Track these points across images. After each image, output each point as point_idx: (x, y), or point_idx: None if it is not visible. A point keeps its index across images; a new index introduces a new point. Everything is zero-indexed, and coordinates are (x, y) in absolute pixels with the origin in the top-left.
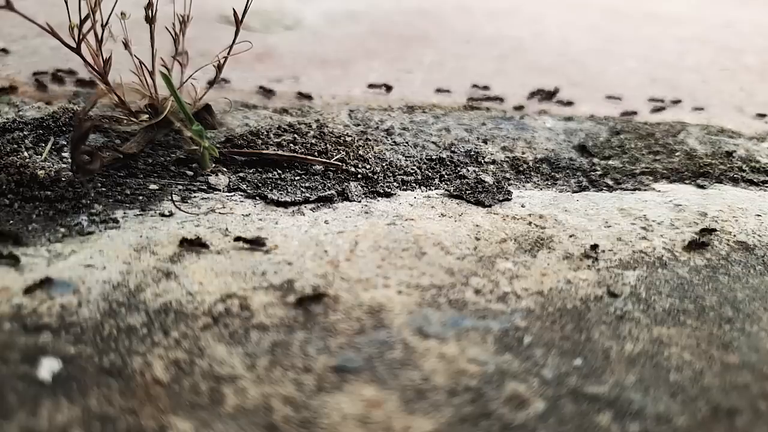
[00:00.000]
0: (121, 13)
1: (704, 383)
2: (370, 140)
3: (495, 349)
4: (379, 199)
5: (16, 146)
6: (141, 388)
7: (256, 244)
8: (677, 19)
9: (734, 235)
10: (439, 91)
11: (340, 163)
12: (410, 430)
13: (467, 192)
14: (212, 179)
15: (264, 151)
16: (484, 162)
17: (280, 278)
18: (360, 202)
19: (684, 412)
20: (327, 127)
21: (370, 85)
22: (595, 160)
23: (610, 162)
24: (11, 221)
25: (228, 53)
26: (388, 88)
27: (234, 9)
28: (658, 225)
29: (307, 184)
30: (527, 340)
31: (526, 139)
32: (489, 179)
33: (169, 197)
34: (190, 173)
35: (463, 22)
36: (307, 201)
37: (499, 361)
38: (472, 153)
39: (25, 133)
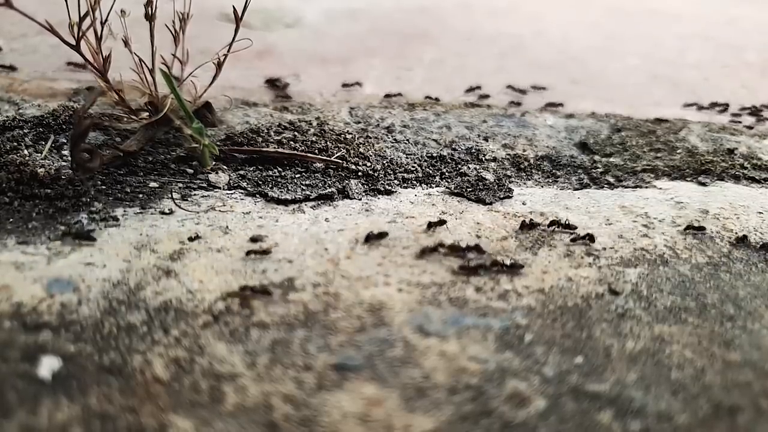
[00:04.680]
0: (121, 11)
1: (706, 381)
2: (370, 138)
3: (496, 347)
4: (380, 196)
5: (16, 144)
6: (141, 387)
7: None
8: (678, 16)
9: (736, 233)
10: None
11: (340, 161)
12: (411, 429)
13: (468, 189)
14: (212, 177)
15: (264, 149)
16: (485, 159)
17: (281, 276)
18: (360, 199)
19: (685, 410)
20: (327, 124)
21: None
22: (597, 157)
23: (612, 159)
24: (11, 219)
25: (228, 51)
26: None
27: (234, 7)
28: (659, 222)
29: (307, 182)
30: (528, 338)
31: (527, 136)
32: (490, 177)
33: (169, 195)
34: (191, 171)
35: (464, 20)
36: (307, 199)
37: (500, 359)
38: (473, 150)
39: (25, 131)
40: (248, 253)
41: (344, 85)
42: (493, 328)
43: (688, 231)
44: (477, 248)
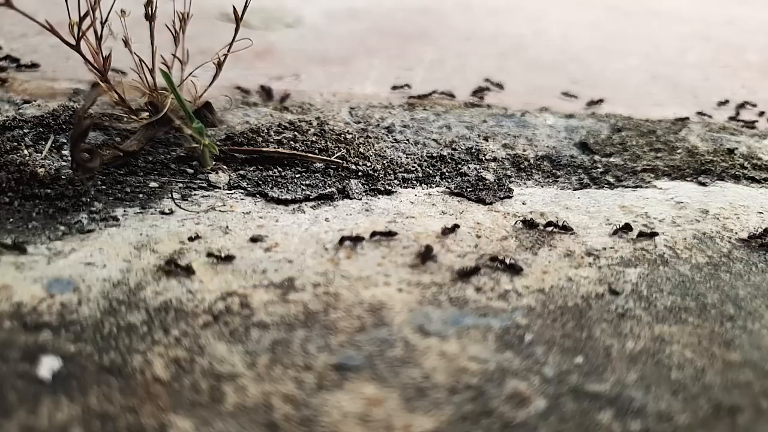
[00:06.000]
0: (121, 11)
1: (706, 381)
2: (370, 138)
3: (496, 347)
4: (380, 196)
5: (16, 144)
6: (141, 387)
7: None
8: (678, 16)
9: (736, 233)
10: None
11: (340, 161)
12: (411, 429)
13: (468, 189)
14: (212, 177)
15: (264, 149)
16: (485, 159)
17: (281, 276)
18: (360, 199)
19: (685, 410)
20: (327, 124)
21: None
22: (597, 157)
23: (612, 159)
24: (11, 219)
25: (228, 51)
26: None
27: (234, 6)
28: (659, 222)
29: (307, 182)
30: (528, 338)
31: (527, 136)
32: (490, 177)
33: (170, 195)
34: (191, 171)
35: (464, 19)
36: (307, 199)
37: (500, 359)
38: (473, 150)
39: (25, 131)
40: (165, 267)
41: (394, 88)
42: (493, 328)
43: (640, 237)
44: (432, 257)
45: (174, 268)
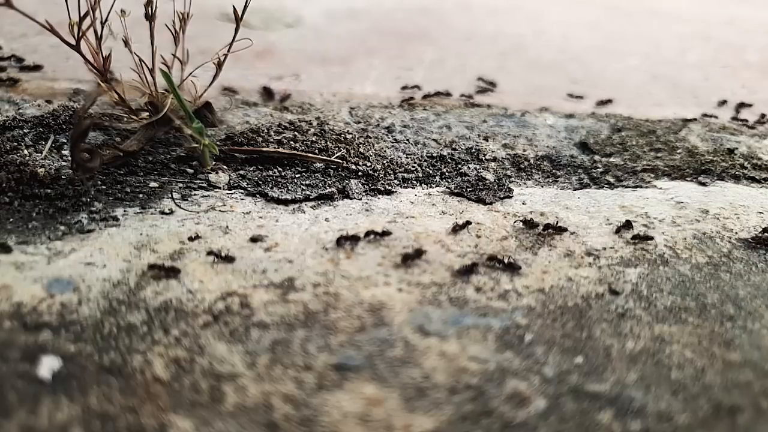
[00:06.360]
0: (121, 11)
1: (706, 381)
2: (370, 138)
3: (496, 347)
4: (380, 196)
5: (16, 144)
6: (141, 387)
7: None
8: (678, 16)
9: (736, 233)
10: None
11: (340, 161)
12: (411, 428)
13: (468, 189)
14: (212, 177)
15: (264, 149)
16: (485, 159)
17: (281, 276)
18: (360, 199)
19: (685, 410)
20: (327, 124)
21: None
22: (597, 157)
23: (612, 159)
24: (11, 219)
25: (228, 51)
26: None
27: (234, 6)
28: (659, 222)
29: (307, 182)
30: (528, 337)
31: (527, 136)
32: (490, 177)
33: (170, 195)
34: (191, 171)
35: (464, 19)
36: (307, 199)
37: (500, 359)
38: (473, 150)
39: (25, 131)
40: (148, 272)
41: (403, 88)
42: (493, 328)
43: (635, 240)
44: (415, 258)
45: (158, 272)
